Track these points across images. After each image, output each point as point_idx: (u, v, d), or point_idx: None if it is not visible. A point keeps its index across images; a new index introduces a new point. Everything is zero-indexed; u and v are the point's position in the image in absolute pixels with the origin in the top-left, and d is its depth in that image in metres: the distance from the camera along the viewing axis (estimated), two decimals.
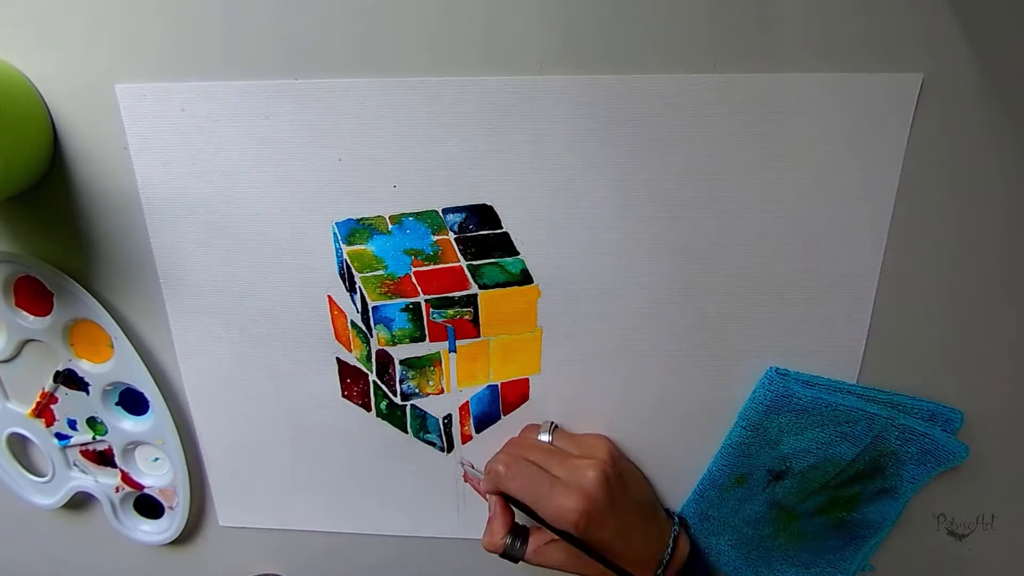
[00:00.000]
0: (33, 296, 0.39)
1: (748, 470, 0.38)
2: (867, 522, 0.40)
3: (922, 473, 0.38)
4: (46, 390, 0.41)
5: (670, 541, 0.37)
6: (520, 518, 0.37)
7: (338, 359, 0.39)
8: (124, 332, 0.39)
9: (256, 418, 0.41)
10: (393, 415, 0.40)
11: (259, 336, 0.39)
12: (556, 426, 0.39)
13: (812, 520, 0.40)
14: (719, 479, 0.39)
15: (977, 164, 0.32)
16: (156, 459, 0.44)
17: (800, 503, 0.39)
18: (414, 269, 0.36)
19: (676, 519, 0.40)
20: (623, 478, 0.36)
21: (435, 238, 0.35)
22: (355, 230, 0.35)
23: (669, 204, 0.34)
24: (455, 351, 0.38)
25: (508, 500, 0.36)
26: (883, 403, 0.36)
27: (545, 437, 0.38)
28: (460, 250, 0.35)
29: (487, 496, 0.38)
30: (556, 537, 0.35)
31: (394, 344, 0.38)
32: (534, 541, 0.37)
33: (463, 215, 0.35)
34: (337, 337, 0.38)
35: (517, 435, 0.40)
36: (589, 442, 0.38)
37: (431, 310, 0.37)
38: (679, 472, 0.40)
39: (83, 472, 0.44)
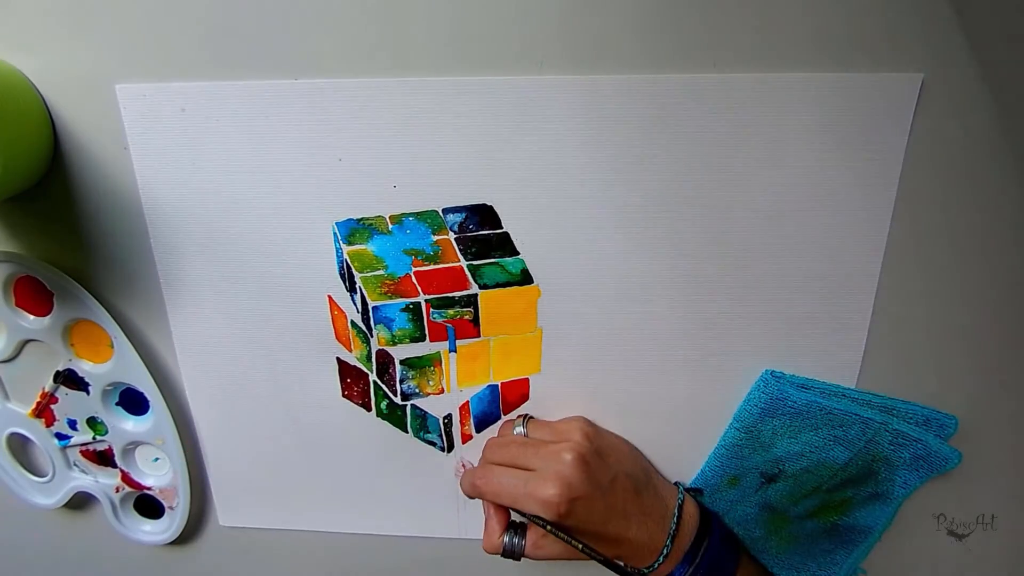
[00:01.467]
0: (33, 296, 0.39)
1: (741, 472, 0.38)
2: (858, 526, 0.40)
3: (914, 478, 0.38)
4: (46, 390, 0.41)
5: (675, 510, 0.36)
6: (517, 515, 0.37)
7: (338, 359, 0.39)
8: (124, 332, 0.39)
9: (256, 418, 0.41)
10: (393, 415, 0.40)
11: (259, 336, 0.39)
12: (529, 417, 0.39)
13: (803, 523, 0.40)
14: (712, 480, 0.39)
15: (977, 164, 0.32)
16: (156, 459, 0.44)
17: (792, 506, 0.39)
18: (414, 269, 0.36)
19: (681, 487, 0.38)
20: (603, 454, 0.35)
21: (435, 238, 0.35)
22: (355, 230, 0.35)
23: (669, 204, 0.34)
24: (455, 351, 0.38)
25: None
26: (877, 407, 0.36)
27: (519, 430, 0.38)
28: (460, 250, 0.35)
29: (484, 503, 0.38)
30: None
31: (394, 344, 0.38)
32: (531, 535, 0.36)
33: (463, 215, 0.35)
34: (337, 337, 0.38)
35: (495, 435, 0.40)
36: (562, 427, 0.37)
37: (431, 310, 0.37)
38: (674, 472, 0.40)
39: (83, 472, 0.44)
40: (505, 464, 0.35)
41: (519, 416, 0.39)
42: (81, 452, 0.44)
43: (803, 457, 0.37)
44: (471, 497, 0.37)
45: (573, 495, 0.32)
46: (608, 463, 0.35)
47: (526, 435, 0.37)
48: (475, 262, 0.36)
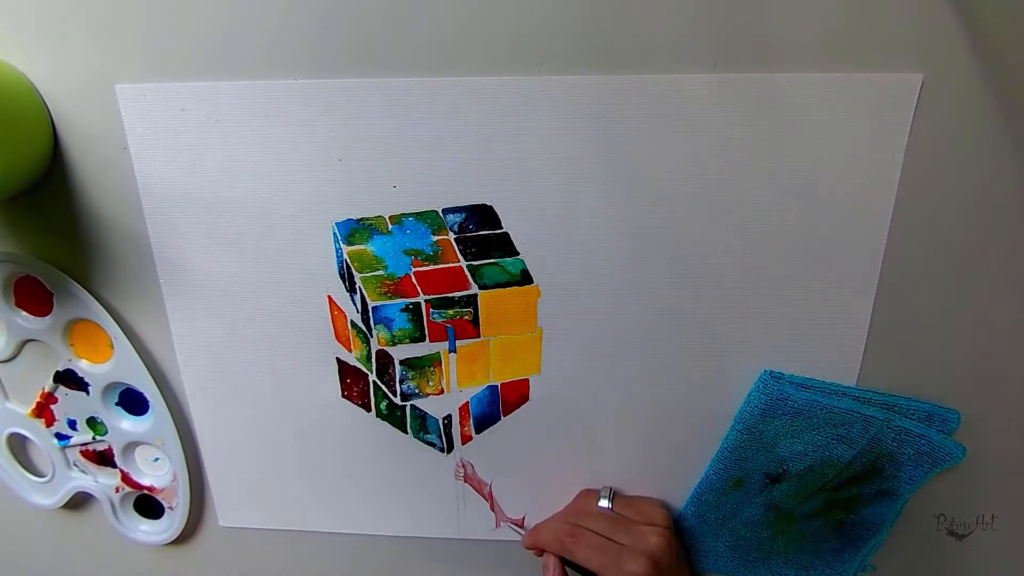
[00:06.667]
0: (33, 296, 0.39)
1: (745, 474, 0.38)
2: (866, 523, 0.40)
3: (919, 474, 0.38)
4: (46, 390, 0.41)
5: None
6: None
7: (338, 359, 0.39)
8: (124, 332, 0.39)
9: (256, 418, 0.41)
10: (393, 415, 0.40)
11: (259, 336, 0.39)
12: (614, 492, 0.40)
13: (810, 522, 0.40)
14: (716, 483, 0.39)
15: (977, 164, 0.32)
16: (156, 459, 0.44)
17: (798, 506, 0.39)
18: (414, 269, 0.36)
19: None
20: (676, 546, 0.38)
21: (435, 238, 0.35)
22: (355, 230, 0.35)
23: (668, 204, 0.34)
24: (455, 351, 0.38)
25: (567, 563, 0.38)
26: (879, 405, 0.36)
27: (604, 503, 0.39)
28: (460, 250, 0.35)
29: (544, 558, 0.39)
30: None
31: (394, 344, 0.38)
32: None
33: (463, 215, 0.35)
34: (337, 337, 0.38)
35: (573, 502, 0.41)
36: (648, 508, 0.39)
37: (431, 310, 0.37)
38: (679, 472, 0.40)
39: (83, 472, 0.44)
40: (597, 533, 0.37)
41: (604, 487, 0.40)
42: (81, 452, 0.44)
43: (806, 456, 0.37)
44: (543, 551, 0.38)
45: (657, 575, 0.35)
46: (679, 554, 0.38)
47: (611, 508, 0.39)
48: (475, 262, 0.36)
